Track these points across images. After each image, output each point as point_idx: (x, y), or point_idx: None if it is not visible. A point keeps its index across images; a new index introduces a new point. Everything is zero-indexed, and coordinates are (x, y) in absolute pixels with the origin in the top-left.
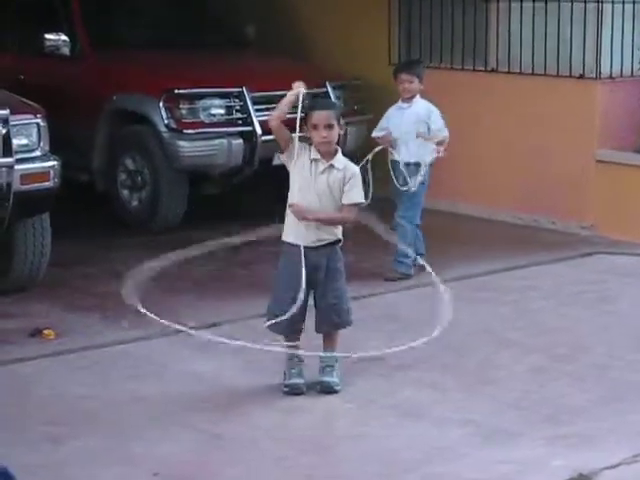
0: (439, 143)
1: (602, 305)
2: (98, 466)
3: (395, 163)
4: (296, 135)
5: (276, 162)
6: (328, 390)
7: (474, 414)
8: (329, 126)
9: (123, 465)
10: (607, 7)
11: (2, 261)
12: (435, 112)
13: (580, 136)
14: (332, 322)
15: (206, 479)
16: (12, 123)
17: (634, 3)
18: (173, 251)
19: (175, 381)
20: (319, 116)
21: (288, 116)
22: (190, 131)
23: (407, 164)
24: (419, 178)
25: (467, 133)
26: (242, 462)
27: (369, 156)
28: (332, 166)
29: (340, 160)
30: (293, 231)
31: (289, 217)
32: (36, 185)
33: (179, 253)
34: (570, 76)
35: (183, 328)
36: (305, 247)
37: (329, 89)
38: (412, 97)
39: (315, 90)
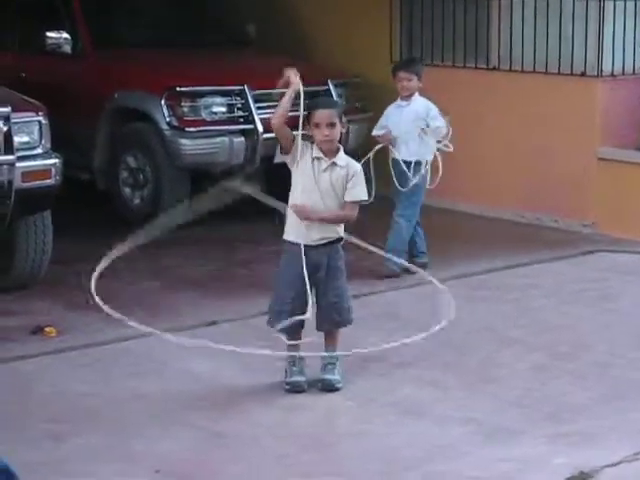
0: (442, 138)
1: (603, 303)
2: (99, 463)
3: (395, 161)
4: (299, 133)
5: (277, 160)
6: (329, 388)
7: (475, 412)
8: (331, 124)
9: (124, 462)
10: (609, 4)
11: (3, 259)
12: (434, 109)
13: (581, 134)
14: (333, 320)
15: (207, 477)
16: (13, 121)
17: (636, 0)
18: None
19: (176, 379)
20: (321, 114)
21: (289, 114)
22: (192, 129)
23: (407, 162)
24: (418, 177)
25: (468, 131)
26: (243, 460)
27: (370, 154)
28: (334, 164)
29: (342, 158)
30: (294, 230)
31: (291, 216)
32: (37, 183)
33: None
34: (572, 74)
35: (156, 331)
36: (306, 245)
37: (331, 87)
38: (411, 95)
39: (317, 88)
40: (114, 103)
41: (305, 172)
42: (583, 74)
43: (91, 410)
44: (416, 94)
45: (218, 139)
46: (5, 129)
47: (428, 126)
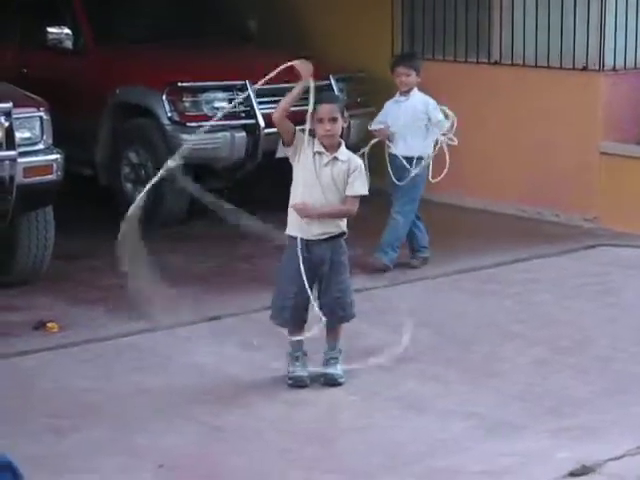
0: (447, 131)
1: (605, 297)
2: (102, 458)
3: (393, 157)
4: (306, 128)
5: (279, 155)
6: (332, 382)
7: (478, 407)
8: (333, 119)
9: (127, 457)
10: None
11: (5, 254)
12: (432, 104)
13: (583, 128)
14: (336, 315)
15: (210, 471)
16: (15, 116)
17: None
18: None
19: (179, 373)
20: (323, 109)
21: (292, 109)
22: (193, 124)
23: (405, 158)
24: (415, 171)
25: (470, 125)
26: (246, 454)
27: (366, 148)
28: (336, 158)
29: (344, 152)
30: (297, 225)
31: (292, 212)
32: (39, 178)
33: None
34: (573, 68)
35: None
36: (309, 240)
37: (332, 82)
38: (409, 90)
39: (318, 83)
40: (116, 98)
41: (306, 167)
42: (585, 68)
43: (93, 405)
44: (415, 89)
45: (220, 134)
46: (7, 124)
47: (429, 120)
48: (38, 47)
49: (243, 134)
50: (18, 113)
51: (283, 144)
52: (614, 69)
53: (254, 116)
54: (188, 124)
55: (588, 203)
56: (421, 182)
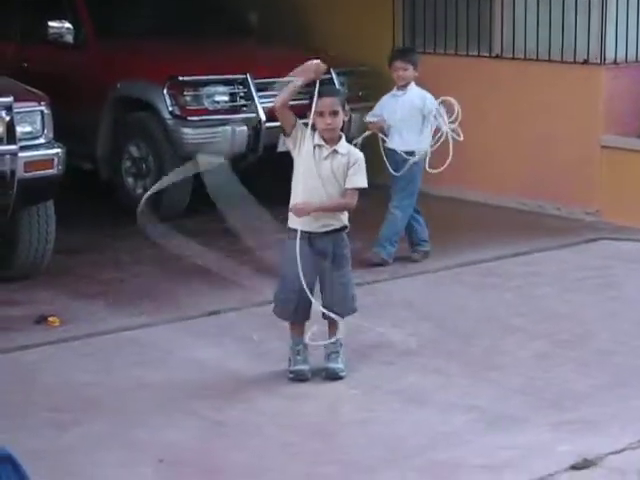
0: (453, 122)
1: (606, 291)
2: (102, 452)
3: (389, 150)
4: (310, 120)
5: (280, 149)
6: (333, 376)
7: (479, 400)
8: (334, 112)
9: (127, 451)
10: None
11: (6, 249)
12: (430, 99)
13: (585, 122)
14: (338, 309)
15: (211, 465)
16: (16, 110)
17: None
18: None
19: (179, 368)
20: (324, 103)
21: (293, 103)
22: (194, 118)
23: (400, 152)
24: (415, 159)
25: (471, 119)
26: (247, 448)
27: (359, 140)
28: (336, 152)
29: (344, 146)
30: (297, 217)
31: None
32: (40, 173)
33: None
34: (574, 62)
35: None
36: (311, 233)
37: (334, 75)
38: (406, 85)
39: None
40: (116, 93)
41: (306, 159)
42: (586, 62)
43: (94, 399)
44: (412, 84)
45: (220, 128)
46: (7, 119)
47: (424, 116)
48: (39, 41)
49: (244, 128)
50: (19, 107)
51: (284, 134)
52: (615, 62)
53: (255, 110)
54: (189, 118)
55: (589, 196)
56: (418, 173)
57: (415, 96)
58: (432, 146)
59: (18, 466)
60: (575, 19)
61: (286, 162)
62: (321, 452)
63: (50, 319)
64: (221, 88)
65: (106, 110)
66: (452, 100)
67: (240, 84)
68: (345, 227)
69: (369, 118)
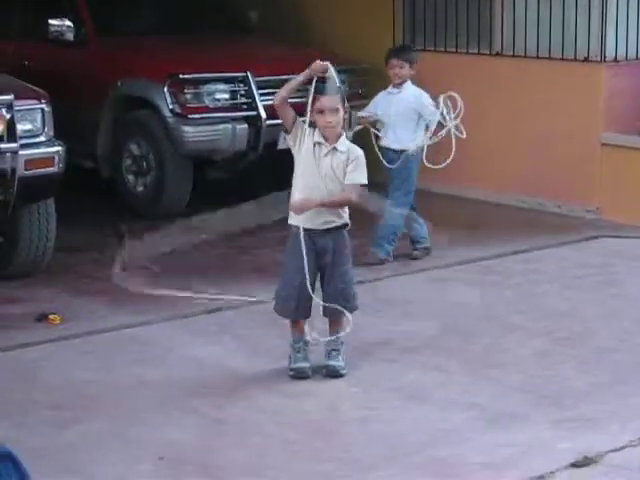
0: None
1: (607, 289)
2: (103, 450)
3: (383, 148)
4: (307, 117)
5: (281, 146)
6: (334, 374)
7: (479, 397)
8: (335, 110)
9: (128, 449)
10: None
11: (7, 246)
12: (425, 97)
13: (585, 119)
14: (339, 306)
15: (211, 463)
16: (16, 108)
17: None
18: None
19: (180, 366)
20: (325, 100)
21: (293, 101)
22: (195, 116)
23: (394, 150)
24: (405, 156)
25: (471, 116)
26: (247, 446)
27: (349, 134)
28: (335, 149)
29: (344, 143)
30: (297, 214)
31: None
32: (40, 170)
33: None
34: (575, 59)
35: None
36: (312, 230)
37: (334, 73)
38: (402, 83)
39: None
40: (117, 91)
41: (306, 157)
42: (586, 59)
43: (95, 397)
44: (408, 82)
45: (221, 126)
46: (8, 117)
47: (420, 115)
48: (39, 39)
49: (245, 126)
50: (19, 105)
51: (284, 131)
52: (615, 60)
53: (255, 108)
54: (190, 116)
55: (589, 194)
56: (413, 171)
57: (410, 94)
58: (430, 138)
59: (18, 464)
60: (575, 17)
61: (286, 159)
62: (321, 450)
63: (51, 317)
64: (221, 86)
65: (107, 108)
66: (456, 95)
67: (241, 82)
68: (346, 224)
69: (361, 113)
